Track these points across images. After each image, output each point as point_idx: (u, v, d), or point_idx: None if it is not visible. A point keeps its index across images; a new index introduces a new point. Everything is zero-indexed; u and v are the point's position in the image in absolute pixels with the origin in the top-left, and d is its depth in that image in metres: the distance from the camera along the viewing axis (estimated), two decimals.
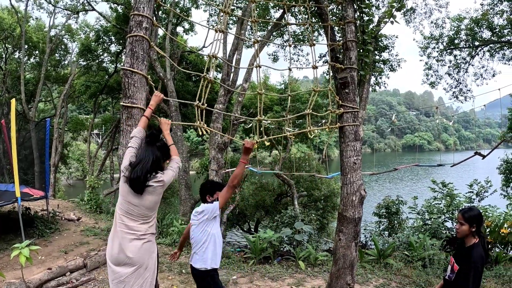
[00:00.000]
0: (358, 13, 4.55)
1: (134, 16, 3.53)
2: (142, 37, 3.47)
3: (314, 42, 4.58)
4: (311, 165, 17.88)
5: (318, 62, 4.56)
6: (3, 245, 7.65)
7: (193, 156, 44.33)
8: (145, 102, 3.51)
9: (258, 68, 4.22)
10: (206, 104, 3.77)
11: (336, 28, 5.11)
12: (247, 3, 11.90)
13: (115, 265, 3.20)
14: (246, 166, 4.05)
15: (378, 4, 13.82)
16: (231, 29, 16.61)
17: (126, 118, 3.41)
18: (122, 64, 22.06)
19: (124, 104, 3.40)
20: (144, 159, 3.16)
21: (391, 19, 4.33)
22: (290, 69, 4.49)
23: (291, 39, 13.79)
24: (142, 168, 3.12)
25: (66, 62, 25.73)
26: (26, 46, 21.13)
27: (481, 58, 19.68)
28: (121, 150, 3.41)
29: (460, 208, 8.80)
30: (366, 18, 4.51)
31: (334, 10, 9.45)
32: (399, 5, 4.22)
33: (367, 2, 4.54)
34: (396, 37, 14.60)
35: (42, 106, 29.89)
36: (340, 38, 4.85)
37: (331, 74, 4.57)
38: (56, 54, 24.55)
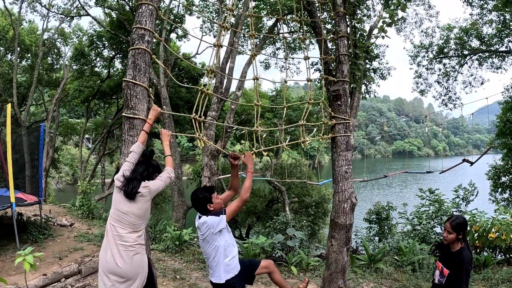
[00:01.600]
0: (350, 28, 4.72)
1: (137, 29, 3.65)
2: (144, 50, 3.59)
3: (307, 53, 4.76)
4: (302, 172, 18.05)
5: (309, 69, 4.72)
6: None
7: (184, 162, 44.33)
8: (146, 113, 3.64)
9: (255, 80, 4.37)
10: (203, 117, 3.90)
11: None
12: (240, 11, 12.06)
13: (109, 273, 3.33)
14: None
15: (370, 14, 14.12)
16: (224, 36, 16.74)
17: (128, 129, 3.52)
18: (112, 68, 21.95)
19: (126, 115, 3.51)
20: (136, 172, 3.41)
21: (383, 33, 4.51)
22: (285, 81, 4.65)
23: (287, 51, 14.00)
24: (135, 180, 3.36)
25: (58, 66, 25.64)
26: (18, 49, 21.04)
27: (470, 67, 20.15)
28: (122, 159, 3.53)
29: (448, 216, 9.01)
30: (358, 32, 4.69)
31: (327, 18, 9.66)
32: (390, 20, 4.39)
33: (359, 17, 4.72)
34: (387, 46, 14.91)
35: (33, 109, 29.69)
36: (333, 49, 5.02)
37: (324, 86, 4.74)
38: (49, 58, 24.45)
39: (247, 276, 4.01)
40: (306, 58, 4.62)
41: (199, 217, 3.77)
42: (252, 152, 4.01)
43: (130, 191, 3.32)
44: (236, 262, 3.88)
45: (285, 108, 4.60)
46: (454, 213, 10.69)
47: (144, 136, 3.56)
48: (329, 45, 5.31)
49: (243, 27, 14.06)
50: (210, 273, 3.86)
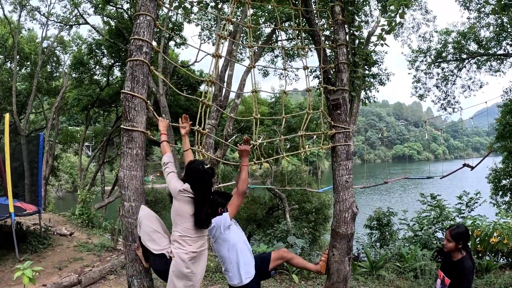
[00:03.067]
0: (349, 35, 4.71)
1: (135, 41, 3.62)
2: (142, 61, 3.57)
3: (306, 61, 4.75)
4: (302, 178, 18.01)
5: (308, 77, 4.70)
6: None
7: (183, 169, 44.25)
8: (145, 125, 3.61)
9: (254, 93, 4.36)
10: (207, 130, 3.88)
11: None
12: (238, 19, 12.08)
13: (196, 281, 3.54)
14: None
15: (367, 20, 14.16)
16: (222, 43, 16.78)
17: (126, 141, 3.48)
18: (112, 76, 21.92)
19: (125, 127, 3.48)
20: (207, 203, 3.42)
21: (381, 41, 4.50)
22: (285, 93, 4.63)
23: (285, 61, 14.01)
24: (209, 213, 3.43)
25: (57, 74, 25.64)
26: (18, 57, 21.03)
27: (468, 70, 20.12)
28: (121, 172, 3.48)
29: (449, 225, 8.95)
30: (357, 40, 4.69)
31: (324, 25, 9.65)
32: (389, 28, 4.39)
33: (357, 25, 4.72)
34: (386, 52, 14.93)
35: (32, 117, 29.65)
36: (331, 55, 5.01)
37: (323, 94, 4.72)
38: (48, 66, 24.44)
39: (261, 273, 4.01)
40: (306, 68, 4.61)
41: None
42: (250, 144, 4.07)
43: (206, 219, 3.39)
44: (252, 265, 3.92)
45: (284, 119, 4.58)
46: (456, 218, 10.65)
47: (168, 146, 3.67)
48: (328, 51, 5.30)
49: (242, 35, 14.07)
50: (231, 278, 3.86)
